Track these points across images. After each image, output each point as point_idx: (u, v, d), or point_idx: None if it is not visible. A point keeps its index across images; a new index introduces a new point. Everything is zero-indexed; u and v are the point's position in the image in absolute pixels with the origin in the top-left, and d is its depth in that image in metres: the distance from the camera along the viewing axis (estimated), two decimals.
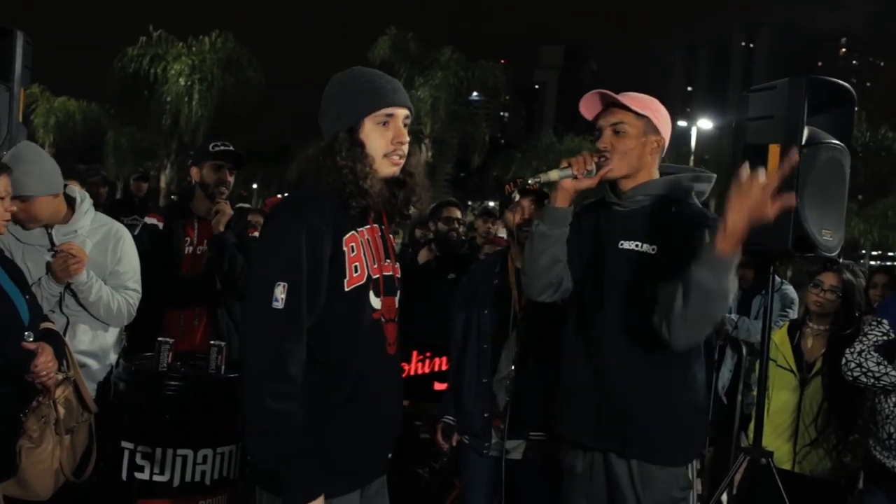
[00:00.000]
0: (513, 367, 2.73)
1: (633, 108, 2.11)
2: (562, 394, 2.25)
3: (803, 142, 2.79)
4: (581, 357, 2.20)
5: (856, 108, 3.11)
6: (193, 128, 22.42)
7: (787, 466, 3.23)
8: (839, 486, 3.31)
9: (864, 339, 2.70)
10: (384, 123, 1.77)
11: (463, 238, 4.94)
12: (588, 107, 2.19)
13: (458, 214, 4.94)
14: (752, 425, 3.09)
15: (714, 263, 1.78)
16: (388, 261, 1.88)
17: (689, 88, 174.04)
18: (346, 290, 1.74)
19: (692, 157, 32.84)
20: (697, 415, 2.09)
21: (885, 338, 2.65)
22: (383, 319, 1.83)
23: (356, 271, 1.76)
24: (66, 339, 2.70)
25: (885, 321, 2.69)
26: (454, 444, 2.91)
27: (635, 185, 2.13)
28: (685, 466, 2.09)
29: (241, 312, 1.76)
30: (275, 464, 1.66)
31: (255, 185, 37.97)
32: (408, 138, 1.82)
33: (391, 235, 1.99)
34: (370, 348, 1.80)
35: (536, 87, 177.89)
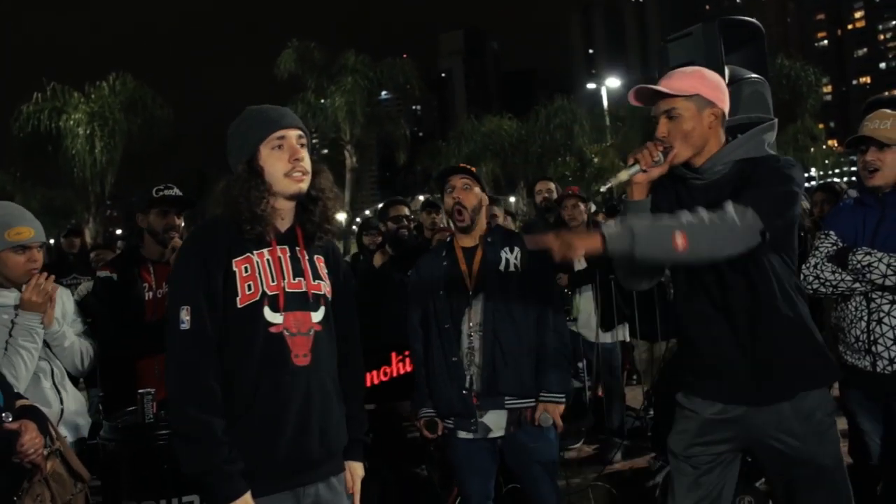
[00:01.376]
0: (479, 339, 2.82)
1: (676, 93, 2.14)
2: (692, 364, 2.30)
3: (726, 81, 2.93)
4: (694, 327, 2.25)
5: None
6: (100, 176, 21.63)
7: None
8: None
9: (817, 252, 2.84)
10: (279, 147, 1.96)
11: (414, 234, 4.96)
12: (638, 101, 2.25)
13: (406, 212, 4.96)
14: None
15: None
16: (300, 278, 2.01)
17: (591, 51, 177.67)
18: (239, 307, 1.92)
19: (607, 115, 33.71)
20: (813, 337, 2.18)
21: (834, 247, 2.79)
22: (287, 333, 1.96)
23: (249, 289, 1.93)
24: (62, 402, 2.73)
25: (832, 232, 2.84)
26: (440, 433, 2.96)
27: (708, 157, 2.18)
28: (826, 388, 2.19)
29: None
30: (201, 468, 1.85)
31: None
32: (306, 155, 2.00)
33: (318, 256, 2.09)
34: (269, 360, 1.93)
35: (443, 75, 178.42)
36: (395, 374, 3.70)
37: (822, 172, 40.81)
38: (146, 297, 3.15)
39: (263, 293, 1.94)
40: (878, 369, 2.68)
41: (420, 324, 2.97)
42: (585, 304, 5.07)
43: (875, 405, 2.78)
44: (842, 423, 3.82)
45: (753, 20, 3.18)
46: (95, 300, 3.03)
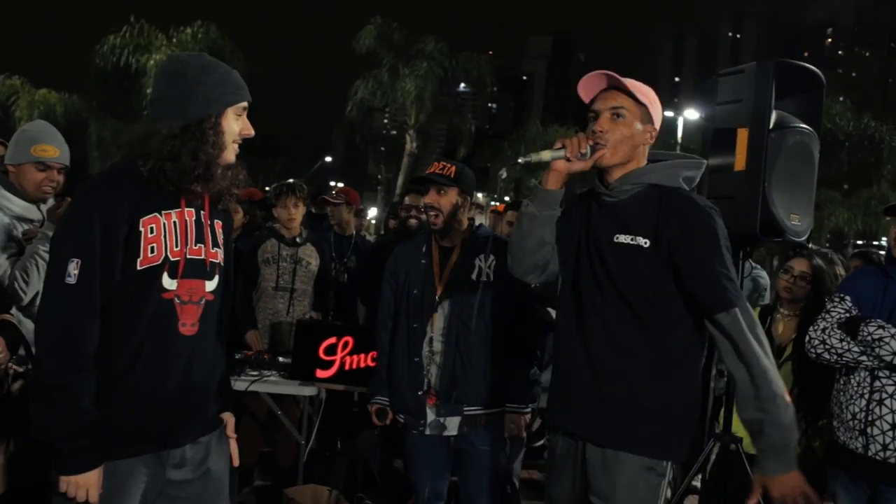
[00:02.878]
0: (441, 344, 2.79)
1: (636, 94, 2.05)
2: (554, 379, 2.24)
3: (771, 126, 2.79)
4: (573, 345, 2.16)
5: (841, 98, 3.11)
6: None
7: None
8: (807, 471, 3.32)
9: (828, 315, 2.69)
10: (239, 116, 1.94)
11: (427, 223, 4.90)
12: (587, 88, 2.12)
13: (419, 202, 4.91)
14: (723, 410, 3.09)
15: None
16: (201, 245, 1.95)
17: (677, 79, 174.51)
18: (139, 269, 1.83)
19: (678, 148, 33.00)
20: (684, 414, 2.06)
21: (847, 314, 2.65)
22: (178, 300, 1.89)
23: (152, 252, 1.84)
24: None
25: (847, 297, 2.69)
26: (388, 422, 2.96)
27: (623, 174, 2.07)
28: (662, 462, 2.04)
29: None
30: (55, 434, 1.75)
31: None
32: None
33: (217, 220, 2.02)
34: (156, 326, 1.86)
35: (524, 77, 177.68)
36: None
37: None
38: None
39: (166, 258, 1.86)
40: (870, 453, 2.53)
41: (391, 315, 2.94)
42: None
43: (860, 491, 2.62)
44: None
45: (814, 68, 3.00)
46: None
